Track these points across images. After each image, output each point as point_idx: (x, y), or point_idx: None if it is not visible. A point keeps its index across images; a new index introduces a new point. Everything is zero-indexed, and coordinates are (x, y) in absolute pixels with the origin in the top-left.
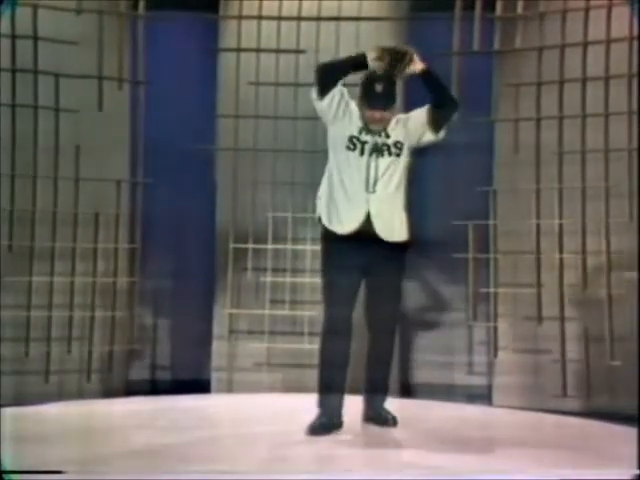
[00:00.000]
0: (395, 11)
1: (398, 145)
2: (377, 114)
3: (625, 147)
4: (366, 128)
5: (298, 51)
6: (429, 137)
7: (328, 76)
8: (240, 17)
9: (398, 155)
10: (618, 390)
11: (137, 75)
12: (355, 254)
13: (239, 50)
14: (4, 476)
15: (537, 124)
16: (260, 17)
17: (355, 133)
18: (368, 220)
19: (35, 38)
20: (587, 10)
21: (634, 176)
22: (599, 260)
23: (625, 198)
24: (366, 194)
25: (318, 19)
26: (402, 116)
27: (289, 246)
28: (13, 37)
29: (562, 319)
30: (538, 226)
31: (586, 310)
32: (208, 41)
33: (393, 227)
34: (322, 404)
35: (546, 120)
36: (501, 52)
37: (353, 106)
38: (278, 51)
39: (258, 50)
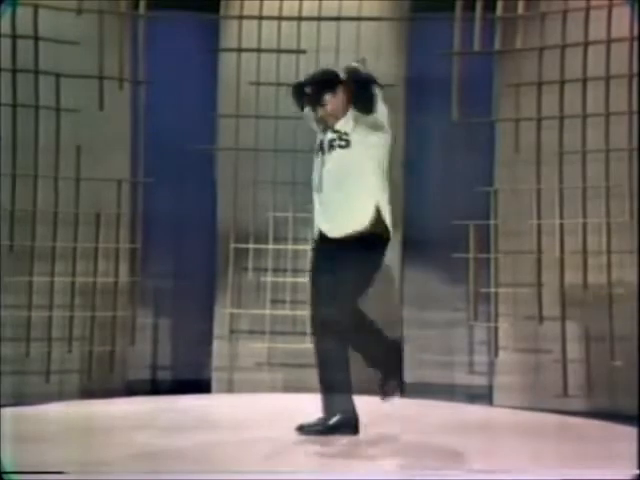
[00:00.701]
0: (396, 11)
1: (344, 137)
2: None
3: (625, 147)
4: (321, 129)
5: (299, 51)
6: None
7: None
8: (241, 17)
9: (345, 147)
10: (619, 390)
11: (138, 75)
12: (321, 255)
13: (240, 50)
14: (4, 476)
15: (538, 124)
16: (261, 17)
17: (318, 137)
18: (319, 218)
19: (36, 38)
20: (587, 10)
21: (634, 176)
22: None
23: (625, 198)
24: (317, 194)
25: (318, 19)
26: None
27: (290, 246)
28: (14, 37)
29: (563, 319)
30: (539, 226)
31: (587, 310)
32: (209, 41)
33: (341, 222)
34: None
35: (547, 120)
36: (502, 52)
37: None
38: (279, 51)
39: (259, 50)
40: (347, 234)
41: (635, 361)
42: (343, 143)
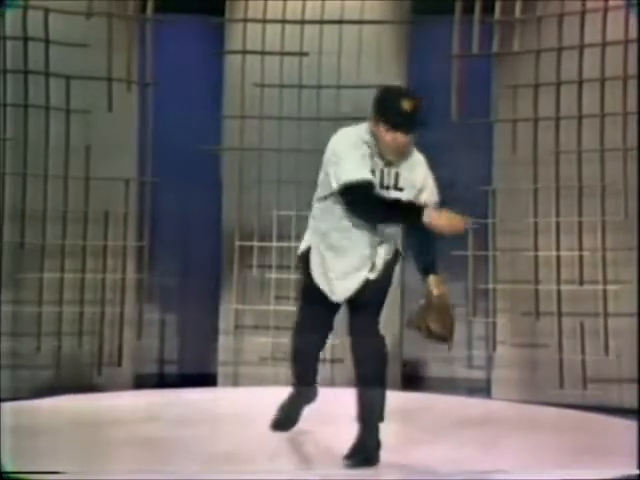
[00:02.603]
0: (397, 14)
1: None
2: None
3: (620, 147)
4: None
5: (302, 53)
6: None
7: None
8: (245, 20)
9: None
10: (613, 383)
11: (145, 77)
12: None
13: (244, 52)
14: (4, 476)
15: (535, 125)
16: (265, 20)
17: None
18: None
19: (46, 41)
20: (583, 14)
21: (629, 175)
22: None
23: (620, 196)
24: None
25: (321, 22)
26: None
27: (293, 244)
28: (25, 40)
29: (559, 314)
30: (536, 224)
31: (582, 305)
32: (214, 44)
33: None
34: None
35: (543, 121)
36: (500, 55)
37: None
38: (282, 53)
39: (263, 52)
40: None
41: (629, 355)
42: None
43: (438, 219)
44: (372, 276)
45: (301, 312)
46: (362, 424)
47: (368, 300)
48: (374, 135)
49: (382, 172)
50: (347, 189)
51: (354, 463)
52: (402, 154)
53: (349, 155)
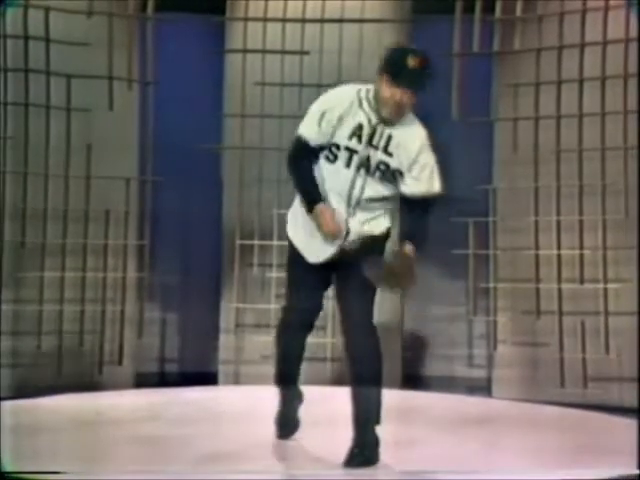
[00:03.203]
0: (397, 13)
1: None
2: None
3: (621, 146)
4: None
5: (302, 52)
6: None
7: None
8: (246, 19)
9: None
10: (614, 382)
11: (146, 76)
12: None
13: (245, 51)
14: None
15: (535, 123)
16: (265, 19)
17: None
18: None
19: (47, 40)
20: (584, 12)
21: (630, 174)
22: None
23: (621, 195)
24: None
25: (322, 21)
26: None
27: None
28: (26, 38)
29: (560, 313)
30: (537, 223)
31: (583, 304)
32: (215, 42)
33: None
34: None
35: (544, 119)
36: (500, 53)
37: None
38: (283, 52)
39: (263, 51)
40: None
41: (629, 354)
42: (392, 180)
43: (318, 216)
44: (348, 244)
45: (287, 292)
46: (358, 425)
47: (353, 278)
48: (377, 91)
49: (374, 129)
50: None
51: (354, 467)
52: (398, 112)
53: (313, 109)
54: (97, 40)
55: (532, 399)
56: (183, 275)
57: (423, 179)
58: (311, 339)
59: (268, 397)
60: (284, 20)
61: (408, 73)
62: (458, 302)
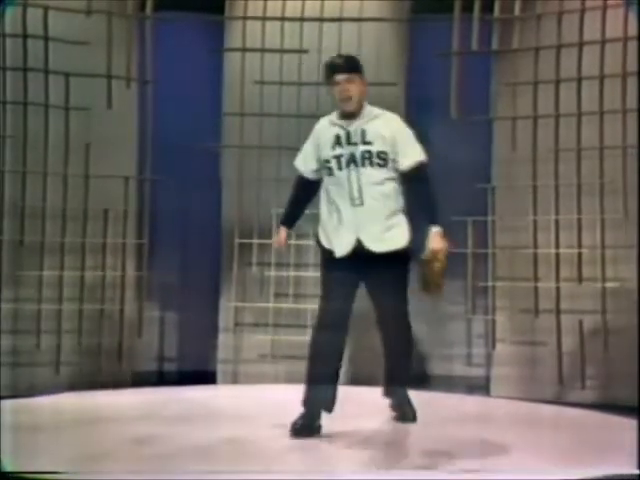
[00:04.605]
0: (396, 12)
1: (382, 155)
2: None
3: (619, 145)
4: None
5: (301, 51)
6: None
7: None
8: (245, 18)
9: (383, 166)
10: (613, 381)
11: (145, 74)
12: (360, 269)
13: (244, 50)
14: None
15: (534, 122)
16: (264, 18)
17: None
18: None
19: (46, 38)
20: (582, 11)
21: (628, 173)
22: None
23: (619, 194)
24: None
25: (321, 20)
26: None
27: (292, 241)
28: (25, 37)
29: (558, 312)
30: (535, 222)
31: (581, 303)
32: (214, 41)
33: (387, 237)
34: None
35: (543, 118)
36: (499, 52)
37: None
38: (282, 51)
39: (262, 50)
40: (392, 249)
41: (628, 353)
42: (381, 162)
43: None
44: (364, 237)
45: (321, 294)
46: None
47: (377, 275)
48: (334, 100)
49: (348, 132)
50: None
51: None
52: (348, 98)
53: (304, 146)
54: (96, 39)
55: (531, 398)
56: (182, 274)
57: (409, 153)
58: None
59: (267, 396)
60: (283, 19)
61: (332, 66)
62: (457, 301)
